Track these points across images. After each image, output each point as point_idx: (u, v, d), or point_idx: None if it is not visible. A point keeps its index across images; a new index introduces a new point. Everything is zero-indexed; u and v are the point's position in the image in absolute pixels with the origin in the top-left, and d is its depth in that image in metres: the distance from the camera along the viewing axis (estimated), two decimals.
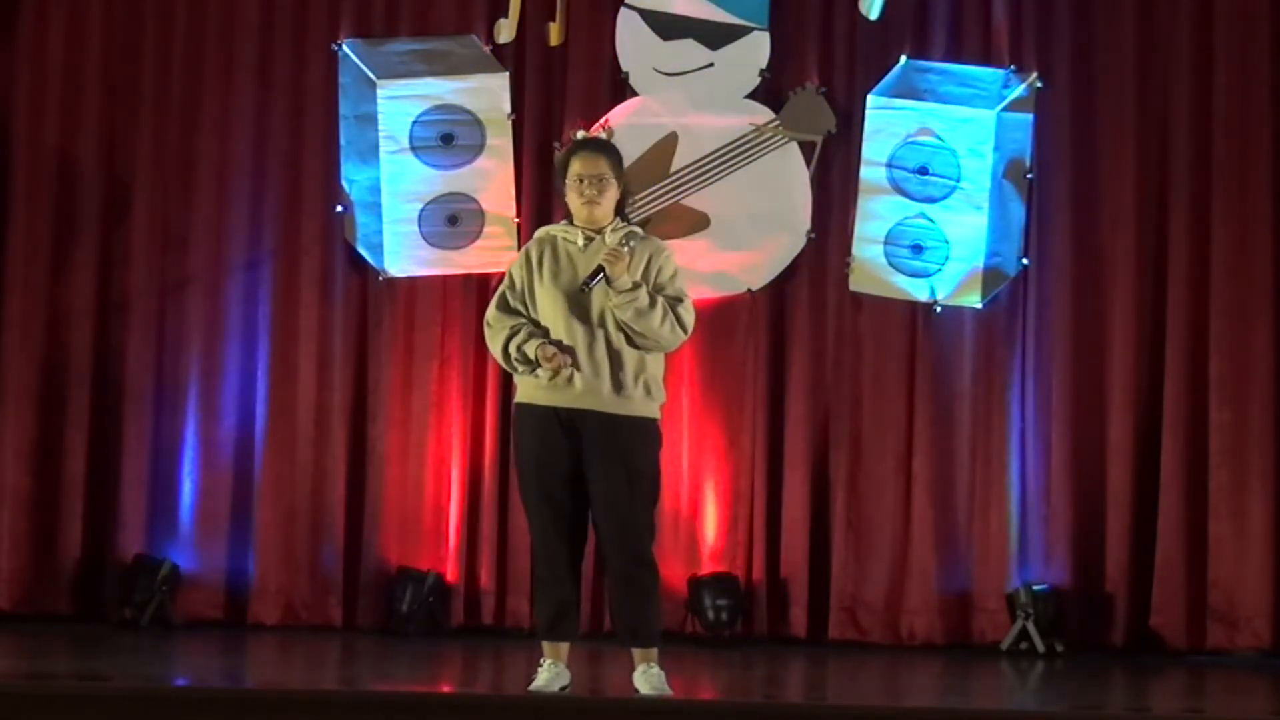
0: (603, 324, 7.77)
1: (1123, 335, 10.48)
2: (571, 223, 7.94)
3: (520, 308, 7.87)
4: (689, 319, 7.86)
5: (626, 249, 7.78)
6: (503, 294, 7.93)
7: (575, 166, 7.88)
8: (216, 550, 10.56)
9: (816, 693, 9.17)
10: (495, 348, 7.90)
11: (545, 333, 7.80)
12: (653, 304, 7.76)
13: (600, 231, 7.87)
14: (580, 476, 7.79)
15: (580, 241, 7.86)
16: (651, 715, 7.07)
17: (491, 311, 7.94)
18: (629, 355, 7.79)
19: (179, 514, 10.57)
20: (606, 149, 8.00)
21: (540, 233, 8.01)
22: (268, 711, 6.81)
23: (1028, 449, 10.49)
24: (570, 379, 7.74)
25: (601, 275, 7.73)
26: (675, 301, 7.83)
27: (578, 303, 7.77)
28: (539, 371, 7.78)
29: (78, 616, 10.51)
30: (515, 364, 7.83)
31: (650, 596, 7.87)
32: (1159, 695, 9.37)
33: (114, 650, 9.62)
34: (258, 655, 9.84)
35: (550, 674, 7.80)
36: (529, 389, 7.85)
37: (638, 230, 7.97)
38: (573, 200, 7.90)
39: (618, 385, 7.77)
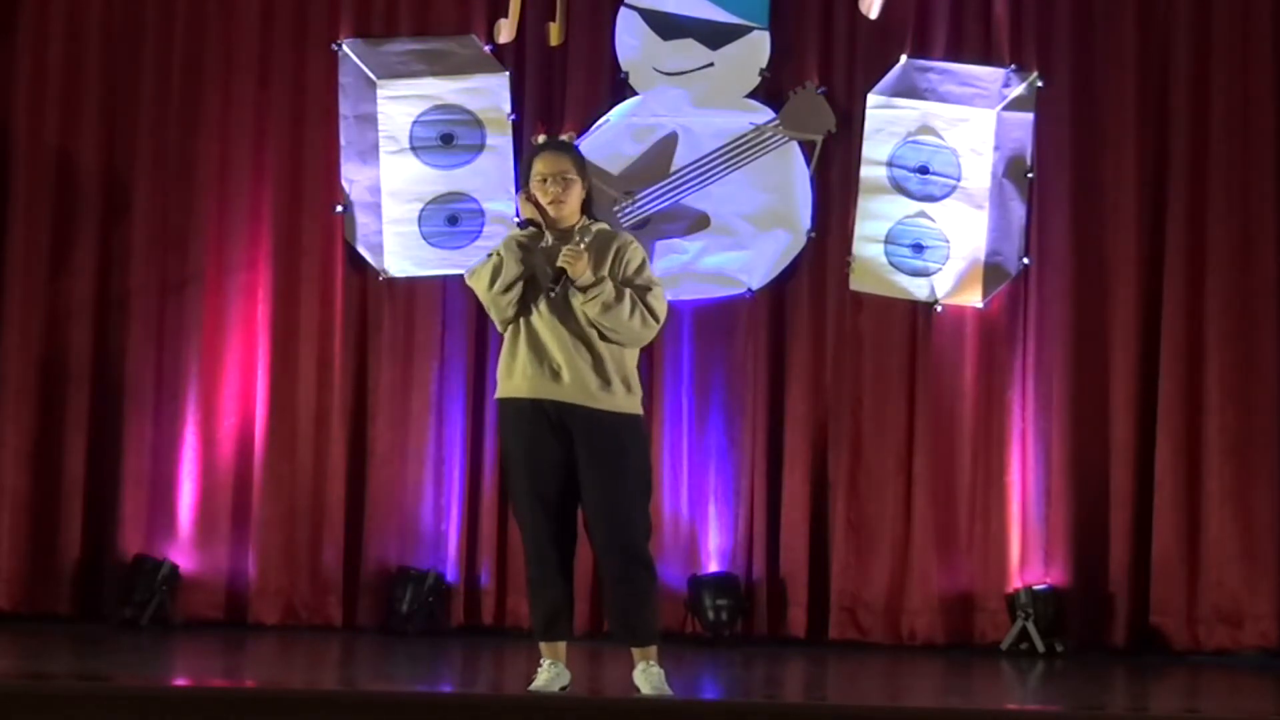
0: (581, 320, 7.77)
1: (1124, 334, 10.48)
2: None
3: None
4: (660, 307, 7.82)
5: (582, 244, 7.75)
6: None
7: (538, 167, 7.87)
8: (216, 550, 10.55)
9: (816, 693, 9.16)
10: (482, 274, 7.76)
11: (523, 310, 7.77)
12: (620, 297, 7.74)
13: (568, 230, 7.85)
14: (569, 473, 7.77)
15: (550, 240, 7.85)
16: (651, 715, 7.07)
17: (473, 264, 7.93)
18: (607, 352, 7.77)
19: (179, 514, 10.56)
20: (568, 148, 8.03)
21: (508, 238, 7.91)
22: (268, 711, 6.81)
23: (1028, 449, 10.49)
24: (558, 375, 7.72)
25: (564, 277, 7.72)
26: (644, 290, 7.79)
27: (555, 301, 7.76)
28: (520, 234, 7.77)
29: (78, 616, 10.50)
30: (512, 266, 7.70)
31: (647, 595, 7.85)
32: (1159, 695, 9.37)
33: (114, 650, 9.61)
34: (258, 655, 9.83)
35: (550, 674, 7.79)
36: (512, 383, 7.80)
37: (604, 225, 7.95)
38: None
39: (604, 381, 7.76)
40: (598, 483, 7.74)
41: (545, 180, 7.85)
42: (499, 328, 7.88)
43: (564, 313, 7.76)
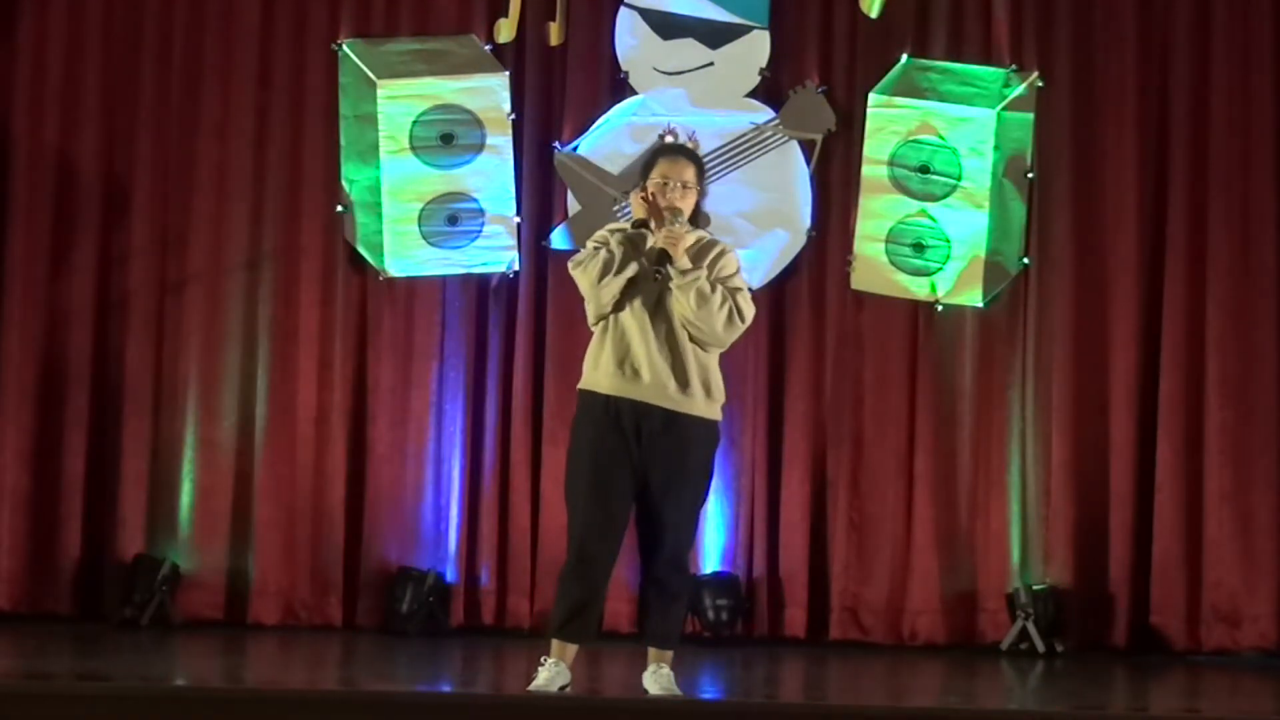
0: (670, 320, 7.75)
1: (1124, 334, 10.48)
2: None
3: None
4: (748, 310, 7.83)
5: (679, 224, 7.75)
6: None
7: (661, 168, 7.86)
8: (216, 550, 10.56)
9: (816, 693, 9.16)
10: (591, 267, 7.71)
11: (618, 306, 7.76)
12: (713, 289, 7.75)
13: None
14: (632, 473, 7.72)
15: (655, 242, 7.83)
16: (651, 715, 7.06)
17: (579, 255, 7.84)
18: (691, 355, 7.77)
19: (179, 514, 10.56)
20: (693, 155, 8.02)
21: (615, 226, 7.93)
22: (268, 711, 6.80)
23: (1028, 448, 10.49)
24: (638, 374, 7.71)
25: (665, 261, 7.71)
26: (735, 291, 7.82)
27: (649, 297, 7.74)
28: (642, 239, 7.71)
29: (78, 616, 10.50)
30: (630, 263, 7.69)
31: (678, 600, 7.87)
32: (1159, 695, 9.37)
33: (114, 650, 9.61)
34: (258, 655, 9.83)
35: (550, 673, 7.76)
36: (595, 376, 7.79)
37: (703, 233, 7.95)
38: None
39: (683, 384, 7.75)
40: (660, 484, 7.72)
41: (666, 183, 7.83)
42: (591, 320, 7.82)
43: (655, 312, 7.75)
